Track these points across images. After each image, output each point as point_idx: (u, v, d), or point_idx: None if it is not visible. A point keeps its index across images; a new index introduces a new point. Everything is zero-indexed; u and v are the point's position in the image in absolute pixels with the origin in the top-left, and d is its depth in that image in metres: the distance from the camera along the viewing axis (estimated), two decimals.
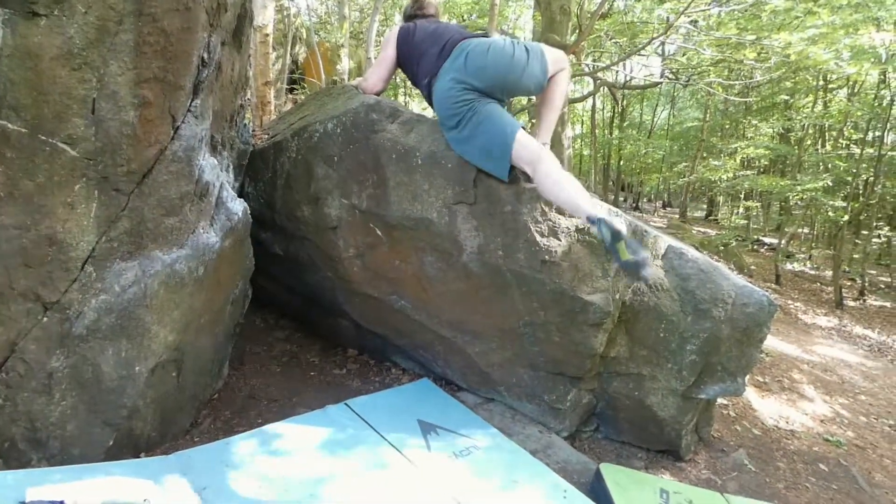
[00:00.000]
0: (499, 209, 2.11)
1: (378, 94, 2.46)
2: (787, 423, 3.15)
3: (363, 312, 2.61)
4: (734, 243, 8.60)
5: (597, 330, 2.15)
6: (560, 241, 2.08)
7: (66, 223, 1.62)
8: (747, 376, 2.45)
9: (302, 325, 3.09)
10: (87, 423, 1.78)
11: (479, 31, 2.51)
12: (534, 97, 2.56)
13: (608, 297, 2.11)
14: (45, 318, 1.65)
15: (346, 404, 2.21)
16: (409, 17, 2.54)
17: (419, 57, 2.28)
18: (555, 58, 2.23)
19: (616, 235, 1.79)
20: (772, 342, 4.64)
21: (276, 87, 5.17)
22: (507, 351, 2.33)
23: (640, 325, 2.31)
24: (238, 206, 2.15)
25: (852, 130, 9.39)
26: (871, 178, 8.43)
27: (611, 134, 15.91)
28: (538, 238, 2.07)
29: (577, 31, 6.45)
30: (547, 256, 2.07)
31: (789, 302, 7.20)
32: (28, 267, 1.60)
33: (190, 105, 1.79)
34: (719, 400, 3.01)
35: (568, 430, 2.40)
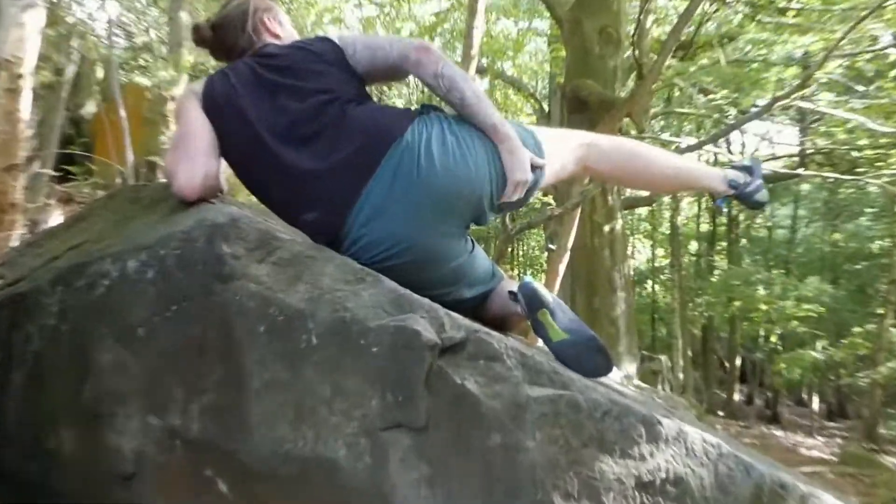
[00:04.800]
0: (477, 441, 1.05)
1: (212, 190, 1.35)
2: None
3: None
4: None
5: None
6: None
7: None
8: None
9: None
10: None
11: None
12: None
13: None
14: None
15: None
16: (214, 52, 1.53)
17: (259, 160, 1.28)
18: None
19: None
20: None
21: (31, 173, 2.93)
22: None
23: None
24: None
25: None
26: None
27: (710, 260, 8.12)
28: (559, 502, 1.02)
29: (637, 73, 3.61)
30: None
31: None
32: None
33: None
34: None
35: None
